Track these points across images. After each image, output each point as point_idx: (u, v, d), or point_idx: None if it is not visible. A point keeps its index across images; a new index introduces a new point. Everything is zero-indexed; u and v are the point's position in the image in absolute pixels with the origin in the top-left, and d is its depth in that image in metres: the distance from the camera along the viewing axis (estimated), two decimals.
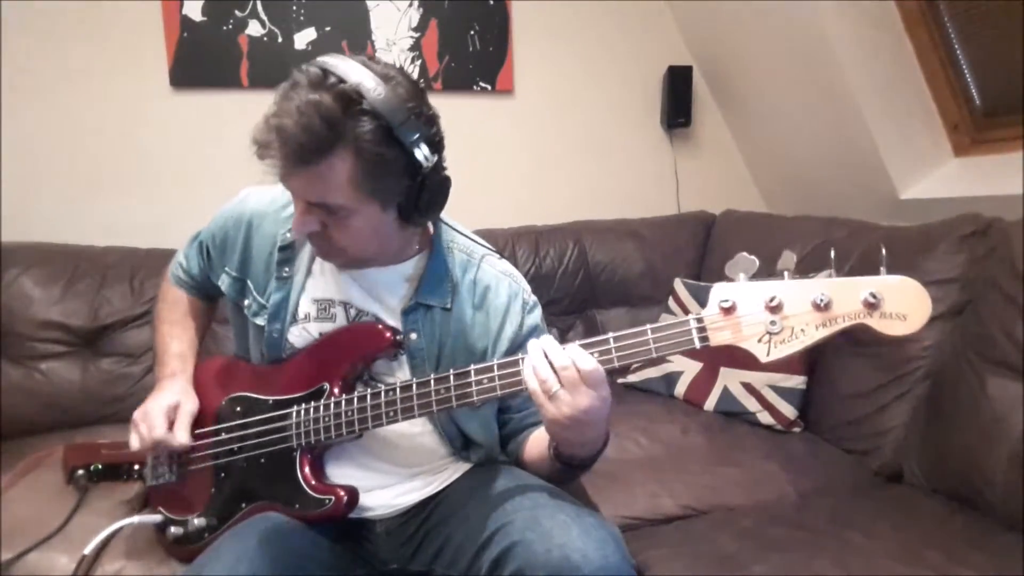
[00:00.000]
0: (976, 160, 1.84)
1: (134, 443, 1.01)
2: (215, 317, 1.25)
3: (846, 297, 0.74)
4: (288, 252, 1.02)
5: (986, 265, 1.39)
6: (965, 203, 1.60)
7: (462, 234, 1.08)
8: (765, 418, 1.65)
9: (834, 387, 1.61)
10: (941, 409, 1.37)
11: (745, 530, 1.21)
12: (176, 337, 1.14)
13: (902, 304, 0.73)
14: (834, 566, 1.06)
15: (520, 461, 1.06)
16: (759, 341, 0.76)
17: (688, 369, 1.83)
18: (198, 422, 1.04)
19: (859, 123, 1.91)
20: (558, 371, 0.79)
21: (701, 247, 2.21)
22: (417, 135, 0.84)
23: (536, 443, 1.02)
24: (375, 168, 0.83)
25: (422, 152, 0.85)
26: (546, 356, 0.80)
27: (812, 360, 1.65)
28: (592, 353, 0.80)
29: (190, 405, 1.04)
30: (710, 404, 1.76)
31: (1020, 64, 1.62)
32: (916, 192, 1.93)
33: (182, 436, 1.01)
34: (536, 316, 1.06)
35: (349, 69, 0.81)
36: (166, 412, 1.01)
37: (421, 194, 0.88)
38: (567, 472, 0.95)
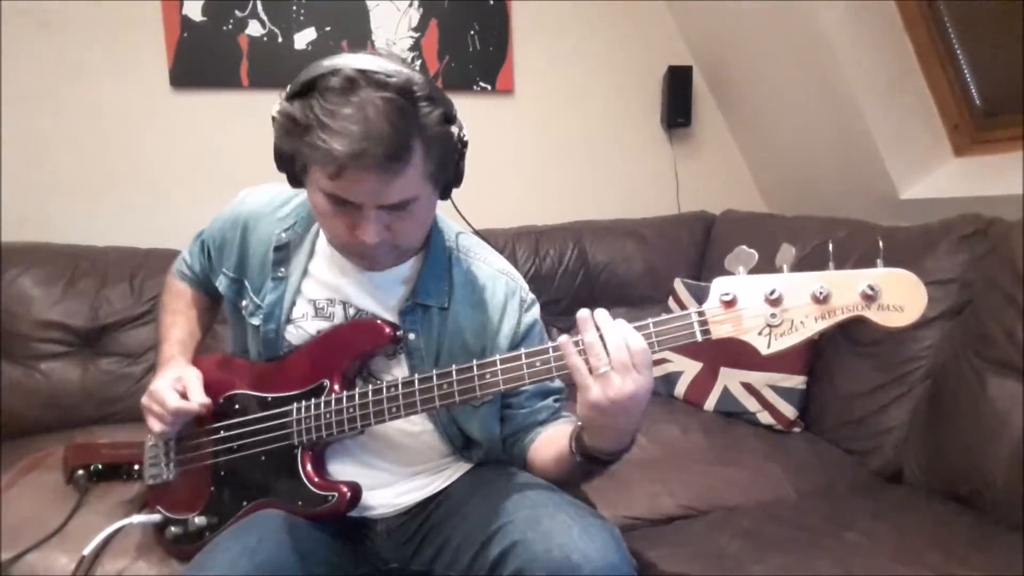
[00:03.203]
0: (976, 160, 1.84)
1: (154, 426, 1.00)
2: (216, 319, 1.25)
3: (844, 290, 0.75)
4: (283, 252, 1.02)
5: (986, 265, 1.39)
6: (965, 203, 1.60)
7: (459, 232, 1.08)
8: (765, 418, 1.65)
9: (834, 387, 1.61)
10: (941, 409, 1.37)
11: (745, 530, 1.21)
12: (177, 326, 1.14)
13: (899, 296, 0.73)
14: (834, 566, 1.06)
15: (528, 461, 1.04)
16: (760, 334, 0.77)
17: (688, 369, 1.83)
18: (197, 420, 1.03)
19: (859, 123, 1.91)
20: (611, 351, 0.76)
21: (701, 247, 2.21)
22: (454, 111, 0.87)
23: (549, 442, 0.99)
24: (439, 151, 0.85)
25: (458, 126, 0.87)
26: (600, 335, 0.77)
27: (812, 360, 1.65)
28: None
29: (193, 373, 1.03)
30: (710, 404, 1.76)
31: (1020, 64, 1.62)
32: (916, 192, 1.93)
33: (198, 397, 0.99)
34: (534, 313, 1.06)
35: (382, 64, 0.80)
36: (172, 385, 1.01)
37: (459, 167, 0.91)
38: (584, 468, 0.90)
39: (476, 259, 1.05)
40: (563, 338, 0.80)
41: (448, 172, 0.90)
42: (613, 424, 0.81)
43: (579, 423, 0.87)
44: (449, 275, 1.02)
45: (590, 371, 0.77)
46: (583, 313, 0.80)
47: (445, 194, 0.93)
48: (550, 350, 0.82)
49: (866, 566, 1.07)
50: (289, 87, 0.83)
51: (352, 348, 0.98)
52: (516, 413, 1.05)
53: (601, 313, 0.80)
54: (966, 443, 1.28)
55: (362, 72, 0.78)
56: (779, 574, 1.06)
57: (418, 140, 0.81)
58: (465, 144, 0.90)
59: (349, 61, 0.80)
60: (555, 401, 1.06)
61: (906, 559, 1.08)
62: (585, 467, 0.89)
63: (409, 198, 0.85)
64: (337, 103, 0.77)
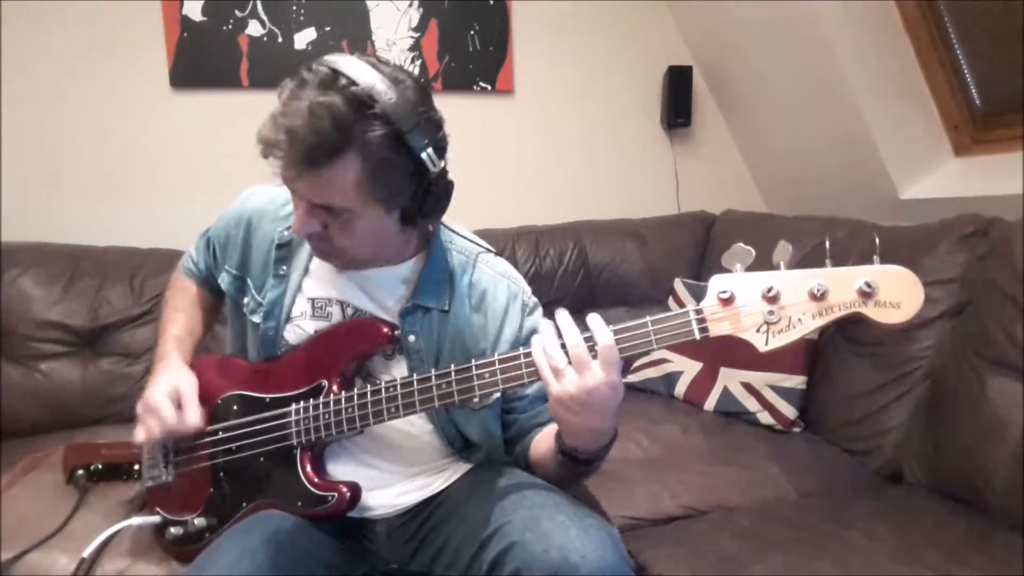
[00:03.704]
0: (976, 160, 1.84)
1: (141, 436, 0.99)
2: (218, 319, 1.25)
3: (841, 286, 0.75)
4: (285, 250, 1.03)
5: (986, 265, 1.39)
6: (965, 203, 1.60)
7: (460, 235, 1.08)
8: (765, 418, 1.65)
9: (834, 387, 1.60)
10: (941, 409, 1.37)
11: (745, 530, 1.21)
12: (176, 322, 1.14)
13: (896, 293, 0.74)
14: (834, 566, 1.06)
15: (528, 462, 1.04)
16: (757, 331, 0.77)
17: (688, 369, 1.83)
18: None
19: (859, 123, 1.91)
20: (568, 347, 0.78)
21: (701, 247, 2.22)
22: (425, 140, 0.84)
23: (543, 440, 1.00)
24: (382, 173, 0.83)
25: (429, 157, 0.84)
26: (557, 331, 0.79)
27: (812, 360, 1.65)
28: (587, 339, 0.79)
29: (188, 386, 1.02)
30: (710, 404, 1.76)
31: (1020, 64, 1.62)
32: (916, 192, 1.93)
33: (193, 418, 0.98)
34: (536, 317, 1.06)
35: (360, 71, 0.80)
36: (169, 397, 1.00)
37: (426, 198, 0.88)
38: (571, 469, 0.92)
39: (478, 262, 1.05)
40: (535, 338, 0.82)
41: (402, 200, 0.88)
42: (581, 422, 0.82)
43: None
44: (450, 278, 1.01)
45: (551, 368, 0.79)
46: (557, 314, 0.82)
47: (408, 220, 0.91)
48: (537, 329, 0.84)
49: (866, 566, 1.07)
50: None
51: (350, 348, 0.98)
52: (518, 417, 1.05)
53: (561, 314, 0.81)
54: (966, 443, 1.28)
55: (336, 73, 0.80)
56: (779, 574, 1.06)
57: (352, 154, 0.80)
58: (436, 177, 0.86)
59: (338, 60, 0.82)
60: None
61: (906, 559, 1.07)
62: (569, 466, 0.91)
63: (336, 206, 0.84)
64: (292, 94, 0.81)
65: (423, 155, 0.83)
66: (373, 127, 0.80)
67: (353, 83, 0.79)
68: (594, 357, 0.78)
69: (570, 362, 0.78)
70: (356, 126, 0.79)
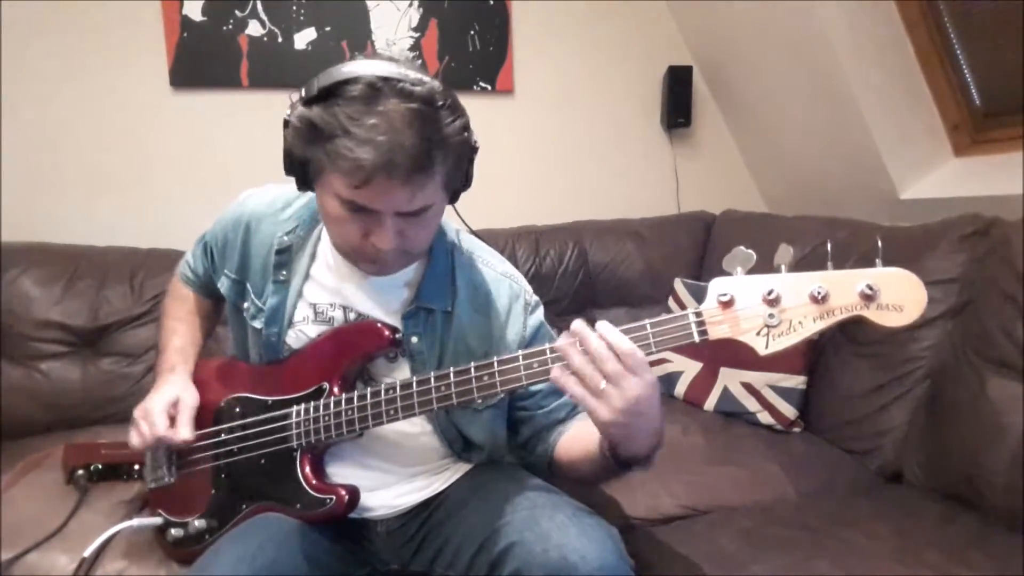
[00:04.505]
0: (976, 160, 1.84)
1: (134, 441, 1.00)
2: (219, 323, 1.25)
3: (843, 289, 0.74)
4: (285, 256, 1.02)
5: (986, 265, 1.39)
6: (965, 203, 1.60)
7: (460, 234, 1.08)
8: (765, 418, 1.65)
9: (834, 387, 1.60)
10: (941, 409, 1.37)
11: (745, 530, 1.21)
12: (178, 332, 1.14)
13: (898, 296, 0.73)
14: (834, 566, 1.06)
15: (554, 460, 1.03)
16: (757, 334, 0.76)
17: (688, 369, 1.83)
18: (197, 423, 1.03)
19: (859, 123, 1.91)
20: (598, 363, 0.75)
21: (701, 247, 2.21)
22: (468, 119, 0.86)
23: (576, 441, 0.97)
24: (458, 160, 0.86)
25: (471, 133, 0.87)
26: (584, 353, 0.76)
27: (812, 360, 1.65)
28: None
29: (190, 400, 1.03)
30: (710, 404, 1.76)
31: (1020, 64, 1.62)
32: (916, 192, 1.93)
33: (185, 432, 0.99)
34: (539, 315, 1.06)
35: (403, 72, 0.79)
36: (166, 408, 1.00)
37: (469, 174, 0.91)
38: (624, 472, 0.88)
39: (479, 262, 1.05)
40: (556, 368, 0.79)
41: (460, 178, 0.90)
42: (634, 433, 0.79)
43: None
44: (452, 279, 1.01)
45: (591, 393, 0.76)
46: (574, 326, 0.78)
47: (454, 198, 0.93)
48: (547, 351, 0.81)
49: (866, 566, 1.06)
50: (305, 91, 0.81)
51: (352, 351, 0.98)
52: (534, 414, 1.05)
53: (580, 325, 0.78)
54: (966, 443, 1.28)
55: (385, 80, 0.78)
56: (779, 574, 1.06)
57: (440, 150, 0.81)
58: (476, 150, 0.90)
59: (371, 68, 0.79)
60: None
61: (906, 559, 1.07)
62: (615, 469, 0.87)
63: (428, 205, 0.85)
64: (362, 111, 0.77)
65: (470, 133, 0.86)
66: (447, 120, 0.81)
67: (412, 84, 0.79)
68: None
69: (607, 380, 0.74)
70: (437, 123, 0.80)
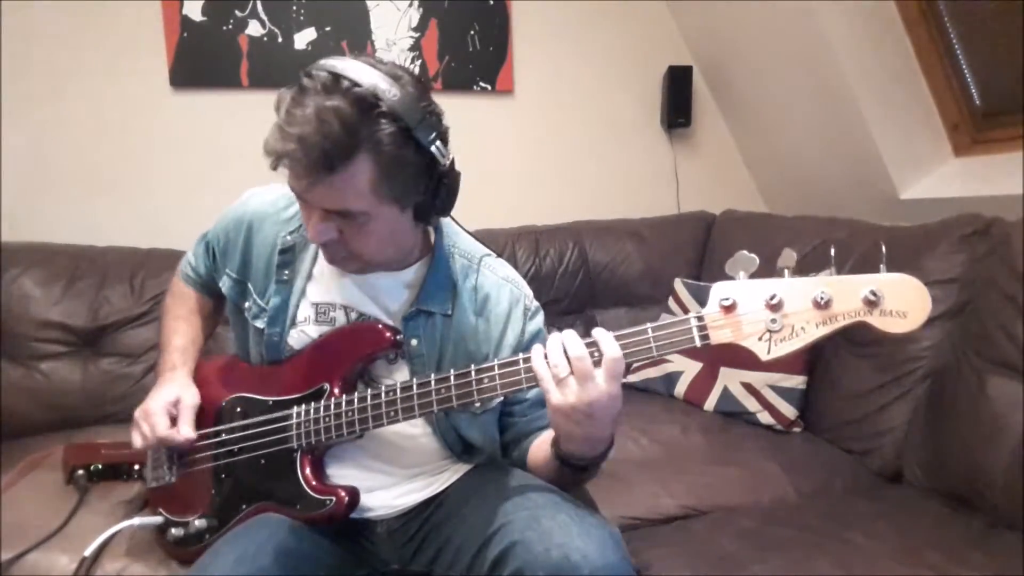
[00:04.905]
0: (976, 160, 1.84)
1: (137, 442, 1.00)
2: (220, 322, 1.24)
3: (846, 295, 0.74)
4: (288, 255, 1.02)
5: (986, 265, 1.39)
6: (965, 203, 1.60)
7: (465, 232, 1.07)
8: (765, 418, 1.65)
9: (834, 387, 1.61)
10: (941, 409, 1.37)
11: (745, 530, 1.21)
12: (179, 332, 1.14)
13: (902, 302, 0.72)
14: (834, 566, 1.06)
15: (525, 466, 1.04)
16: (760, 339, 0.76)
17: (688, 369, 1.83)
18: (198, 423, 1.03)
19: (859, 123, 1.91)
20: (572, 360, 0.78)
21: (701, 247, 2.22)
22: (433, 134, 0.84)
23: (540, 446, 1.00)
24: (395, 171, 0.83)
25: (439, 150, 0.85)
26: (563, 344, 0.79)
27: (812, 360, 1.65)
28: (592, 352, 0.79)
29: (191, 399, 1.03)
30: (710, 404, 1.76)
31: (1020, 64, 1.62)
32: (916, 192, 1.93)
33: (186, 431, 0.99)
34: (538, 322, 1.06)
35: (360, 71, 0.80)
36: (167, 408, 1.00)
37: (438, 191, 0.89)
38: (568, 474, 0.92)
39: (481, 266, 1.05)
40: (536, 346, 0.81)
41: (415, 195, 0.88)
42: (579, 431, 0.81)
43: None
44: (453, 282, 1.01)
45: (552, 377, 0.78)
46: (551, 336, 0.81)
47: (421, 217, 0.92)
48: (545, 343, 0.82)
49: (866, 566, 1.07)
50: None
51: (353, 352, 0.98)
52: (517, 421, 1.05)
53: (570, 332, 0.81)
54: (966, 443, 1.28)
55: (336, 77, 0.79)
56: (779, 574, 1.06)
57: (364, 155, 0.80)
58: (446, 170, 0.87)
59: (336, 63, 0.81)
60: None
61: (906, 559, 1.08)
62: (566, 472, 0.91)
63: (350, 209, 0.83)
64: (296, 101, 0.79)
65: (432, 148, 0.84)
66: (382, 125, 0.79)
67: (356, 84, 0.79)
68: (597, 366, 0.77)
69: (572, 373, 0.78)
70: (365, 126, 0.79)
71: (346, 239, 0.87)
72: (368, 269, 0.97)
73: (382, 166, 0.81)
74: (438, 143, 0.84)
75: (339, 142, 0.78)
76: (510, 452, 1.07)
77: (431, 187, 0.88)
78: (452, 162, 0.89)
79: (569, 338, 0.80)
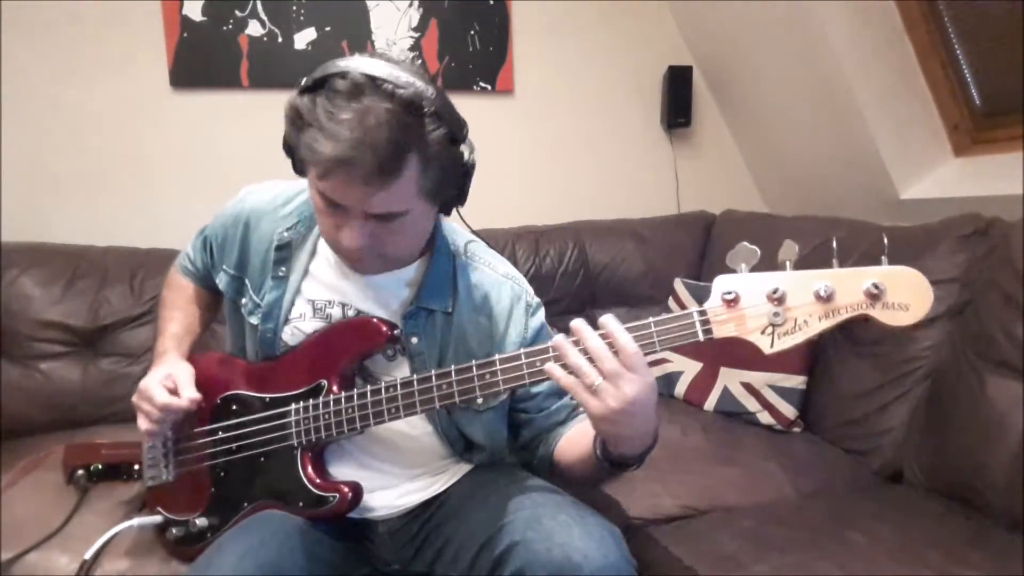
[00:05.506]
0: (976, 160, 1.84)
1: (142, 424, 1.00)
2: (217, 317, 1.24)
3: (848, 288, 0.73)
4: (285, 252, 1.02)
5: (986, 265, 1.39)
6: (965, 203, 1.60)
7: (463, 235, 1.07)
8: (765, 418, 1.65)
9: (834, 387, 1.61)
10: (941, 409, 1.37)
11: (745, 530, 1.21)
12: (174, 320, 1.14)
13: (904, 294, 0.72)
14: (834, 566, 1.06)
15: (554, 463, 1.03)
16: (763, 333, 0.75)
17: (688, 369, 1.83)
18: (195, 421, 1.03)
19: (859, 123, 1.91)
20: (596, 361, 0.75)
21: (701, 247, 2.21)
22: (465, 131, 0.85)
23: (573, 443, 0.98)
24: (438, 170, 0.83)
25: (469, 146, 0.86)
26: (579, 346, 0.76)
27: (812, 360, 1.65)
28: (608, 344, 0.77)
29: (183, 371, 1.02)
30: (710, 404, 1.76)
31: (1020, 64, 1.62)
32: (916, 192, 1.93)
33: (187, 393, 0.98)
34: (540, 317, 1.06)
35: (394, 73, 0.78)
36: (162, 381, 1.00)
37: (464, 188, 0.90)
38: (616, 472, 0.89)
39: (481, 264, 1.05)
40: (549, 365, 0.79)
41: (449, 191, 0.89)
42: (626, 432, 0.79)
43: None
44: (453, 280, 1.01)
45: (585, 388, 0.76)
46: (573, 324, 0.79)
47: (446, 210, 0.93)
48: (550, 350, 0.81)
49: (866, 566, 1.06)
50: (304, 80, 0.82)
51: (349, 347, 0.97)
52: (534, 417, 1.05)
53: (579, 324, 0.78)
54: (966, 443, 1.28)
55: (372, 78, 0.77)
56: (779, 574, 1.06)
57: (415, 156, 0.80)
58: (472, 166, 0.89)
59: (362, 65, 0.79)
60: (571, 399, 1.05)
61: (906, 559, 1.08)
62: (616, 471, 0.89)
63: (397, 211, 0.83)
64: (340, 106, 0.77)
65: (463, 147, 0.85)
66: (430, 127, 0.80)
67: (398, 86, 0.78)
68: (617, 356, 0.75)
69: (604, 376, 0.75)
70: (416, 128, 0.79)
71: (381, 240, 0.87)
72: (386, 268, 0.96)
73: (430, 166, 0.82)
74: (468, 140, 0.86)
75: (397, 146, 0.77)
76: (534, 450, 1.06)
77: (460, 184, 0.89)
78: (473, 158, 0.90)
79: (585, 336, 0.76)
